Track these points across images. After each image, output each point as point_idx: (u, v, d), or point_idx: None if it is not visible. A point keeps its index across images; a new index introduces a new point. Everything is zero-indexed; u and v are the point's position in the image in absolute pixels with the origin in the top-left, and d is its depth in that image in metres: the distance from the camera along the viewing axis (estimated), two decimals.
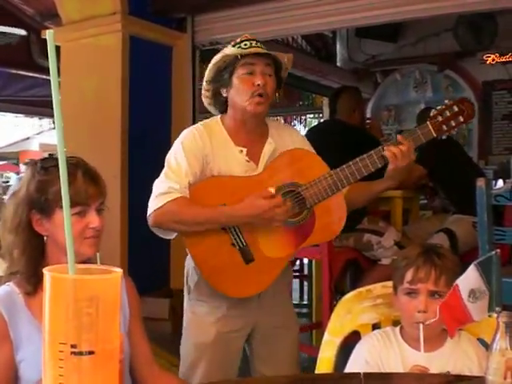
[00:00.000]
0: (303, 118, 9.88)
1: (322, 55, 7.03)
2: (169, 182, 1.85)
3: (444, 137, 1.97)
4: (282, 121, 10.17)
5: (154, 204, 1.84)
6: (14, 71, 6.00)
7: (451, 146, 3.98)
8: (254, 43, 1.91)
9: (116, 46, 4.07)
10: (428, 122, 1.94)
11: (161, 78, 4.41)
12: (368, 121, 4.57)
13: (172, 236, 1.93)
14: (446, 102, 1.98)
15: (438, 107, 1.96)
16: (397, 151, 1.89)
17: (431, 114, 1.94)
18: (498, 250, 1.14)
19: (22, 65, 5.85)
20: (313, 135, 3.78)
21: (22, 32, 5.48)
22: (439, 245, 1.59)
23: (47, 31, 0.63)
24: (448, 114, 1.95)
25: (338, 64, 7.29)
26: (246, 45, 1.90)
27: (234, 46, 1.93)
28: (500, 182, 4.68)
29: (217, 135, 1.95)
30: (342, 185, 1.91)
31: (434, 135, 1.94)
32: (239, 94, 1.91)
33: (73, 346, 0.64)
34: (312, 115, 9.55)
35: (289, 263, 2.07)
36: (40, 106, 6.75)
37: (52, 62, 0.61)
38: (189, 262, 2.01)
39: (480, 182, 2.38)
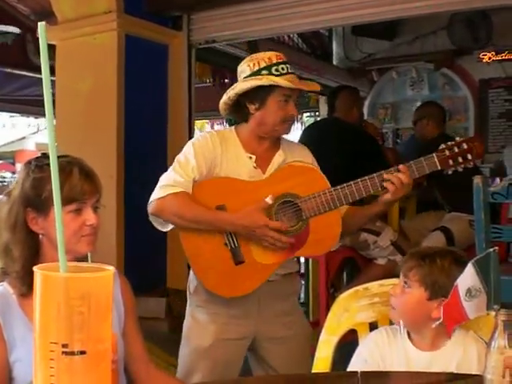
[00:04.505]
0: (299, 116, 9.85)
1: (318, 54, 7.02)
2: (174, 174, 1.90)
3: (450, 172, 1.92)
4: None
5: (157, 193, 1.89)
6: (9, 70, 5.96)
7: None
8: (289, 68, 1.95)
9: (111, 45, 4.05)
10: (434, 154, 1.90)
11: (157, 77, 4.39)
12: (365, 121, 4.57)
13: (168, 228, 1.97)
14: (457, 138, 1.93)
15: (449, 143, 1.92)
16: (397, 182, 1.86)
17: (439, 148, 1.91)
18: (497, 248, 1.12)
19: (18, 64, 5.81)
20: (311, 132, 3.79)
21: (16, 30, 5.44)
22: (460, 252, 1.49)
23: (39, 23, 0.62)
24: (456, 150, 1.91)
25: (335, 62, 7.27)
26: (283, 69, 1.93)
27: (270, 66, 1.93)
28: (497, 180, 4.67)
29: (228, 141, 1.99)
30: (340, 202, 1.91)
31: (439, 167, 1.90)
32: (272, 116, 1.94)
33: (64, 346, 0.63)
34: (308, 114, 9.52)
35: (297, 273, 2.11)
36: (36, 106, 6.70)
37: (43, 55, 0.59)
38: None
39: (477, 180, 2.37)
